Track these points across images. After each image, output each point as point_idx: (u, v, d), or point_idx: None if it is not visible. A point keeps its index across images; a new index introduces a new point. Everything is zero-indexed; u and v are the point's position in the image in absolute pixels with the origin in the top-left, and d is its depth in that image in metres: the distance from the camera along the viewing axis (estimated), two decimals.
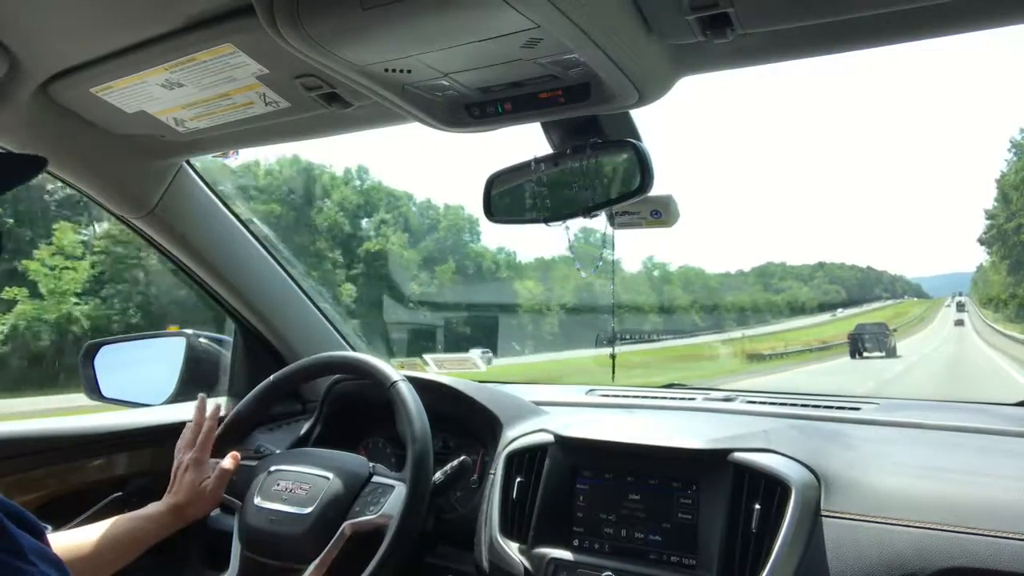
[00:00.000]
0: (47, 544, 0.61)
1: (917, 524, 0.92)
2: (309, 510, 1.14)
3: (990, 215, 45.66)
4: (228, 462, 1.22)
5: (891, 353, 23.04)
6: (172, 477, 1.21)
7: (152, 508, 1.16)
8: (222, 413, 1.30)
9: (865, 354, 23.15)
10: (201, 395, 1.30)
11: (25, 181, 0.80)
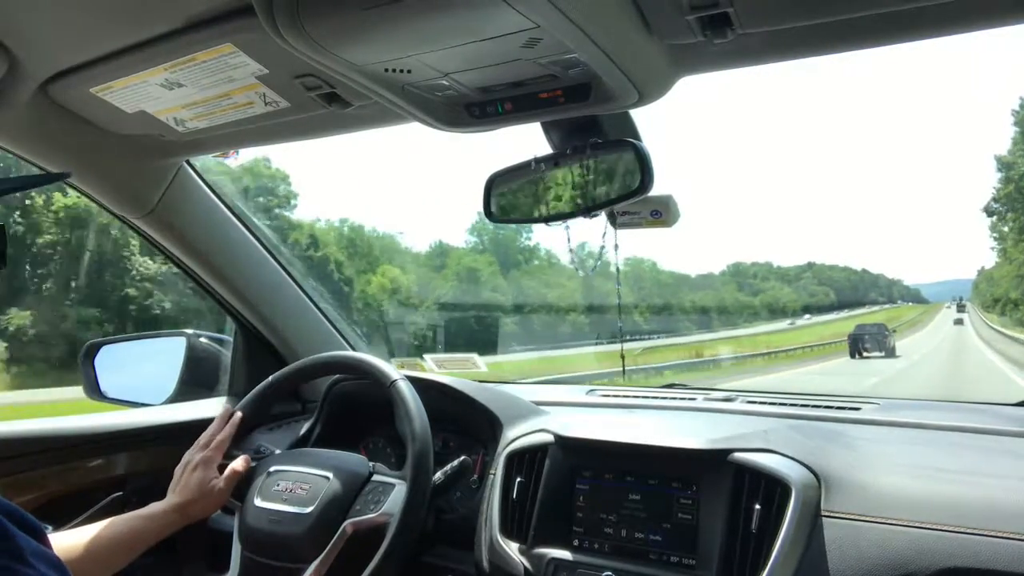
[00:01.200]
0: (47, 545, 0.61)
1: (917, 524, 0.92)
2: (309, 510, 1.14)
3: (1003, 164, 32.23)
4: (240, 464, 1.22)
5: (890, 353, 23.04)
6: (176, 476, 1.20)
7: (154, 507, 1.15)
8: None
9: (865, 354, 23.14)
10: (227, 405, 1.30)
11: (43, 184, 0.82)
